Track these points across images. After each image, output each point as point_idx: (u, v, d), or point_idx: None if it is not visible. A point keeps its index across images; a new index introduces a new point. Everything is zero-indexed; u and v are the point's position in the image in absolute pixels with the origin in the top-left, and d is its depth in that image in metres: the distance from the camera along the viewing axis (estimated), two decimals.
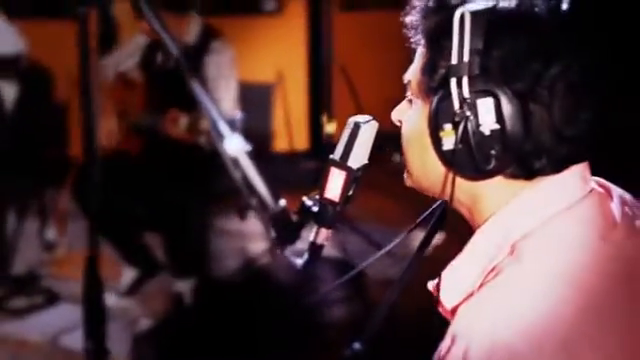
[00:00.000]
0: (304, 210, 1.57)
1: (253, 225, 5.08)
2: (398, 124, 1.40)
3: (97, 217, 4.28)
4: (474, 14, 1.23)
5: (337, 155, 1.50)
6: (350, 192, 1.51)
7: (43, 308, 4.41)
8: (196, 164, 4.26)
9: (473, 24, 1.23)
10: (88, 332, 2.73)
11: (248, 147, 1.75)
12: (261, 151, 5.42)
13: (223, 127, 1.78)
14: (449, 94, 1.24)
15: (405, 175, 1.41)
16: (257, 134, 5.11)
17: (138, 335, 4.02)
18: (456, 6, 1.26)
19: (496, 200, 1.30)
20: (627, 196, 1.39)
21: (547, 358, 1.12)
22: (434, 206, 1.51)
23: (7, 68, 4.75)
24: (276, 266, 4.51)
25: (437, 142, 1.27)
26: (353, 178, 1.50)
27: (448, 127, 1.25)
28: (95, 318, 2.67)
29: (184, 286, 4.32)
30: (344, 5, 6.45)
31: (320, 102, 6.33)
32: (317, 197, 1.53)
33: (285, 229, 1.70)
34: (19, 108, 4.99)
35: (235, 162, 1.76)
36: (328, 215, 1.54)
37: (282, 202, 1.70)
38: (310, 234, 1.61)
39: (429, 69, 1.29)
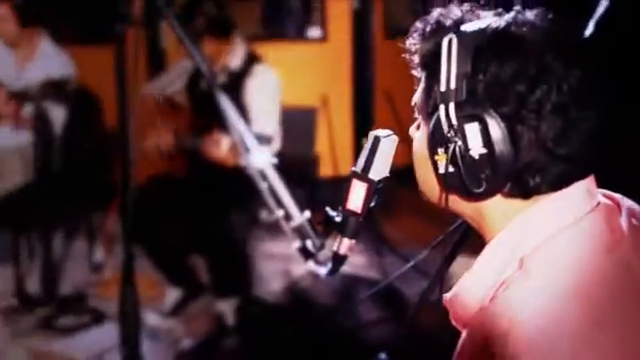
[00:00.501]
0: (328, 221, 1.61)
1: (290, 248, 5.12)
2: None
3: (141, 239, 4.41)
4: (461, 39, 1.26)
5: (359, 168, 1.54)
6: (372, 203, 1.55)
7: (89, 327, 4.48)
8: (239, 186, 4.31)
9: (460, 49, 1.26)
10: (125, 352, 2.77)
11: (274, 160, 1.81)
12: (306, 175, 5.51)
13: (250, 141, 1.84)
14: (439, 120, 1.28)
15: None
16: (301, 158, 5.18)
17: (180, 354, 4.08)
18: (448, 30, 1.30)
19: (501, 217, 1.32)
20: (636, 207, 1.41)
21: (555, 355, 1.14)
22: (456, 224, 1.55)
23: (57, 92, 4.83)
24: (318, 288, 4.58)
25: (434, 165, 1.32)
26: (374, 190, 1.53)
27: (441, 151, 1.29)
28: (131, 338, 2.71)
29: (226, 307, 4.36)
30: (388, 33, 6.51)
31: (364, 127, 6.38)
32: (340, 208, 1.58)
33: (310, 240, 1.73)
34: (68, 132, 5.08)
35: (262, 174, 1.82)
36: (351, 226, 1.58)
37: (307, 214, 1.74)
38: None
39: (425, 94, 1.34)
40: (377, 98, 6.54)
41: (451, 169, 1.28)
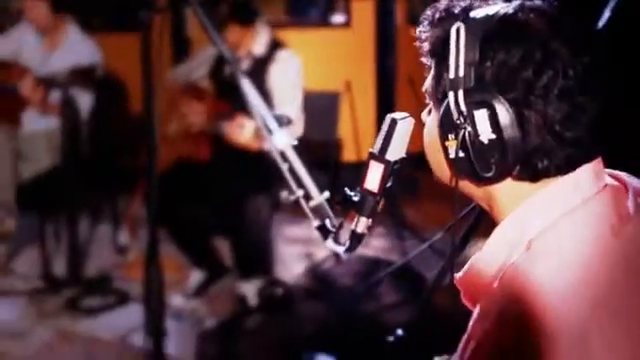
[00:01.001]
0: (345, 200, 1.65)
1: (313, 231, 5.17)
2: None
3: (166, 222, 4.47)
4: (469, 26, 1.30)
5: (376, 149, 1.58)
6: (389, 183, 1.60)
7: (114, 308, 4.55)
8: (262, 170, 4.36)
9: (468, 37, 1.29)
10: (149, 331, 2.84)
11: (294, 141, 1.86)
12: (329, 160, 5.55)
13: (271, 123, 1.90)
14: (449, 106, 1.32)
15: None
16: (324, 142, 5.22)
17: (202, 334, 4.14)
18: (456, 18, 1.33)
19: (511, 199, 1.36)
20: None
21: (559, 346, 1.18)
22: (469, 208, 1.59)
23: (83, 79, 4.90)
24: (339, 271, 4.63)
25: (444, 150, 1.35)
26: (391, 170, 1.57)
27: (452, 137, 1.32)
28: (156, 317, 2.78)
29: (248, 288, 4.42)
30: (410, 19, 6.52)
31: (387, 112, 6.41)
32: (358, 188, 1.63)
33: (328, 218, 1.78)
34: (95, 117, 5.16)
35: (283, 155, 1.88)
36: (368, 205, 1.62)
37: (326, 194, 1.79)
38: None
39: (435, 81, 1.38)
40: (399, 83, 6.57)
41: (461, 154, 1.31)
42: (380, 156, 1.58)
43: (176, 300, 4.52)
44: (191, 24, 6.83)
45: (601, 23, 2.31)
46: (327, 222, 1.77)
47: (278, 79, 4.53)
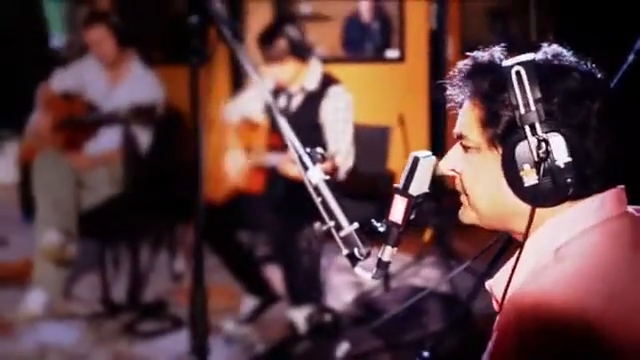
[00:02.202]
0: (373, 230, 1.80)
1: (367, 261, 5.29)
2: (451, 173, 1.67)
3: (221, 252, 4.64)
4: (526, 69, 1.49)
5: (400, 184, 1.75)
6: (412, 216, 1.75)
7: (169, 332, 4.70)
8: (313, 201, 4.49)
9: (528, 77, 1.49)
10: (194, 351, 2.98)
11: (326, 177, 2.01)
12: (379, 192, 5.68)
13: (306, 159, 2.05)
14: (521, 138, 1.49)
15: (464, 212, 1.68)
16: (374, 174, 5.35)
17: (252, 358, 4.27)
18: (500, 66, 1.54)
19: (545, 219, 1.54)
20: None
21: (576, 337, 1.33)
22: (495, 239, 1.74)
23: (144, 116, 5.08)
24: (387, 299, 4.74)
25: (517, 181, 1.51)
26: (414, 204, 1.73)
27: (527, 167, 1.49)
28: (201, 339, 2.92)
29: (298, 315, 4.53)
30: (462, 53, 6.58)
31: (439, 145, 6.51)
32: (384, 220, 1.78)
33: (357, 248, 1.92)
34: (155, 150, 5.34)
35: (316, 189, 2.03)
36: (393, 235, 1.78)
37: (355, 225, 1.93)
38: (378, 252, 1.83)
39: (491, 121, 1.54)
40: (451, 116, 6.66)
41: (536, 181, 1.49)
42: (404, 191, 1.74)
43: (228, 326, 4.66)
44: (249, 57, 7.00)
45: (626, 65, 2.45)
46: (355, 251, 1.91)
47: (330, 114, 4.67)
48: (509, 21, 7.07)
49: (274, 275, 4.95)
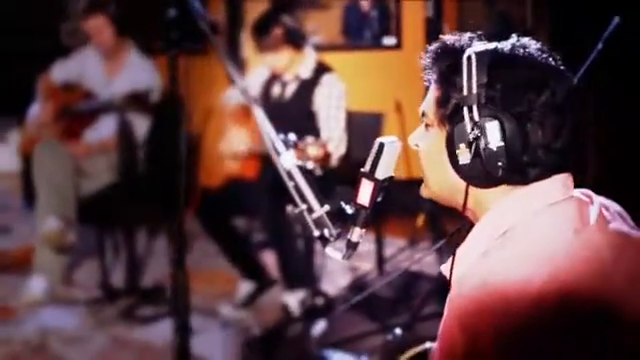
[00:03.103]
0: (342, 213, 1.89)
1: (360, 246, 5.37)
2: (415, 147, 1.75)
3: (217, 237, 4.72)
4: (478, 55, 1.58)
5: (366, 168, 1.83)
6: (378, 199, 1.83)
7: (167, 317, 4.75)
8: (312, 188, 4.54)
9: (478, 64, 1.57)
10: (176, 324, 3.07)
11: (299, 162, 2.10)
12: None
13: (279, 145, 2.14)
14: (462, 120, 1.58)
15: (422, 188, 1.76)
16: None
17: (247, 341, 4.35)
18: (462, 50, 1.61)
19: (494, 202, 1.62)
20: (615, 206, 1.70)
21: (517, 316, 1.41)
22: (458, 227, 1.82)
23: (140, 103, 5.15)
24: (380, 283, 4.81)
25: (454, 158, 1.61)
26: (380, 187, 1.83)
27: (463, 146, 1.59)
28: (181, 311, 3.01)
29: (291, 299, 4.61)
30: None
31: None
32: (352, 203, 1.87)
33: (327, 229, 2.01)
34: (152, 137, 5.41)
35: (289, 174, 2.12)
36: (361, 217, 1.87)
37: (326, 207, 2.02)
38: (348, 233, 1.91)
39: (443, 101, 1.64)
40: None
41: (472, 160, 1.57)
42: (370, 175, 1.82)
43: (224, 310, 4.75)
44: (247, 46, 7.08)
45: (594, 54, 2.52)
46: (326, 232, 1.99)
47: (323, 101, 4.74)
48: (506, 7, 7.11)
49: (269, 260, 5.02)
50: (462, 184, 1.62)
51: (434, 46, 1.70)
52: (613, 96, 4.92)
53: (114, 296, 5.13)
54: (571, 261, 1.48)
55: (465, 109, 1.57)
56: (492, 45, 1.63)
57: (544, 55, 1.62)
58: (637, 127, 5.02)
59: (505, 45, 1.64)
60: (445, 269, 1.69)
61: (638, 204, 1.88)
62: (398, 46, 7.02)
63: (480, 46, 1.62)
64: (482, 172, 1.57)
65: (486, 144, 1.55)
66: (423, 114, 1.72)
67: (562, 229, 1.54)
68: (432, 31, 6.86)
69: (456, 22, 6.92)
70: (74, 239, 5.08)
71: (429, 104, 1.68)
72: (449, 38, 1.69)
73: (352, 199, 1.84)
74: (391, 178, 1.84)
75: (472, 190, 1.62)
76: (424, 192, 1.76)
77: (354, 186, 1.84)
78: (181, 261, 2.91)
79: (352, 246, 1.90)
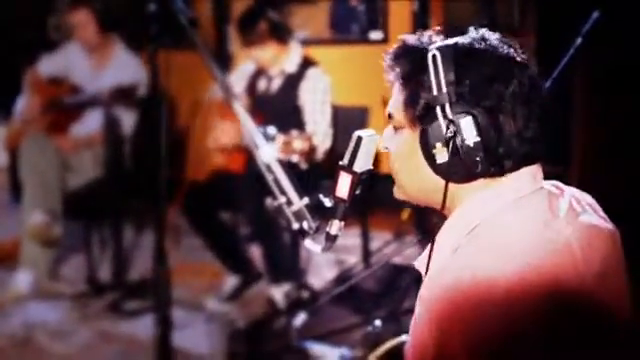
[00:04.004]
0: (320, 206, 1.90)
1: (347, 239, 5.40)
2: (385, 150, 1.76)
3: (203, 229, 4.73)
4: (442, 53, 1.57)
5: (345, 161, 1.84)
6: (357, 191, 1.85)
7: (152, 311, 4.77)
8: (292, 181, 4.55)
9: (444, 61, 1.57)
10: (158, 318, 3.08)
11: (278, 155, 2.11)
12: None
13: (259, 138, 2.15)
14: (435, 119, 1.58)
15: (395, 189, 1.77)
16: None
17: (232, 334, 4.36)
18: (424, 49, 1.61)
19: (470, 197, 1.63)
20: (586, 198, 1.71)
21: (487, 309, 1.42)
22: (437, 222, 1.84)
23: (126, 98, 5.16)
24: (366, 276, 4.83)
25: (431, 158, 1.61)
26: (358, 180, 1.84)
27: (439, 145, 1.58)
28: (162, 305, 3.03)
29: (277, 292, 4.63)
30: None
31: None
32: (331, 196, 1.88)
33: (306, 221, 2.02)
34: (139, 132, 5.42)
35: (268, 167, 2.13)
36: (340, 210, 1.88)
37: (305, 200, 2.03)
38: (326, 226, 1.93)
39: (411, 101, 1.63)
40: None
41: (449, 158, 1.57)
42: (348, 168, 1.83)
43: (210, 303, 4.77)
44: (234, 40, 7.08)
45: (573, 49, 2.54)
46: (305, 224, 2.00)
47: (308, 95, 4.77)
48: (493, 3, 7.13)
49: (255, 253, 5.04)
50: (438, 183, 1.62)
51: (395, 47, 1.70)
52: (600, 95, 4.95)
53: (100, 290, 5.13)
54: (541, 254, 1.49)
55: (438, 108, 1.57)
56: (452, 41, 1.63)
57: (505, 46, 1.62)
58: (625, 126, 5.05)
59: (465, 39, 1.63)
60: (418, 264, 1.71)
61: (625, 201, 1.90)
62: (385, 40, 7.02)
63: (442, 43, 1.62)
64: (460, 168, 1.58)
65: (462, 140, 1.55)
66: (390, 116, 1.72)
67: (531, 222, 1.55)
68: (418, 26, 6.93)
69: (443, 17, 6.94)
70: (60, 233, 5.10)
71: (396, 106, 1.68)
72: (409, 38, 1.69)
73: (330, 192, 1.85)
74: (369, 171, 1.85)
75: (449, 187, 1.62)
76: (398, 194, 1.77)
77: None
78: (162, 254, 2.92)
79: (331, 239, 1.91)
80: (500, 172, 1.59)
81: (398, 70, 1.67)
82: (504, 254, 1.48)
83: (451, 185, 1.61)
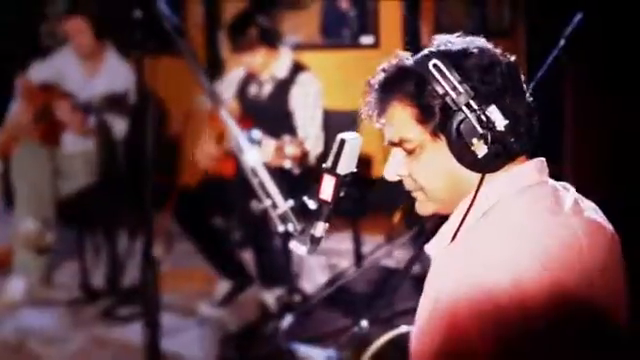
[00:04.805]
0: (305, 208, 1.92)
1: (339, 243, 5.42)
2: (399, 178, 1.79)
3: (195, 234, 4.74)
4: (441, 60, 1.64)
5: (328, 164, 1.87)
6: (341, 194, 1.87)
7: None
8: (285, 186, 4.56)
9: (446, 66, 1.63)
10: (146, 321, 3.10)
11: (264, 156, 2.13)
12: (359, 175, 5.78)
13: (244, 143, 2.17)
14: (459, 121, 1.63)
15: (423, 206, 1.79)
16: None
17: (223, 338, 4.38)
18: (415, 66, 1.69)
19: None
20: (588, 202, 1.76)
21: (497, 283, 1.48)
22: (425, 223, 1.87)
23: (119, 104, 5.17)
24: (358, 280, 4.84)
25: (470, 157, 1.64)
26: (341, 182, 1.86)
27: (475, 140, 1.62)
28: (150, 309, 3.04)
29: (269, 296, 4.65)
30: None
31: None
32: (315, 198, 1.90)
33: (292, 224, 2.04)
34: (131, 138, 5.43)
35: (253, 171, 2.15)
36: (324, 212, 1.90)
37: (290, 203, 2.05)
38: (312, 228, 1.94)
39: (427, 115, 1.67)
40: None
41: (487, 150, 1.62)
42: (332, 170, 1.85)
43: (203, 308, 4.79)
44: (224, 46, 7.09)
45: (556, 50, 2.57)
46: (290, 227, 2.02)
47: (299, 100, 4.78)
48: (483, 7, 7.15)
49: (247, 258, 5.05)
50: (472, 180, 1.67)
51: (379, 78, 1.77)
52: (593, 96, 4.97)
53: (93, 296, 5.15)
54: (549, 240, 1.56)
55: (463, 107, 1.61)
56: (426, 52, 1.70)
57: (469, 39, 1.71)
58: (619, 127, 5.07)
59: (438, 47, 1.70)
60: (429, 248, 1.75)
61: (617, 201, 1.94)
62: (376, 45, 7.05)
63: (432, 51, 1.69)
64: (498, 156, 1.63)
65: (495, 128, 1.61)
66: (401, 142, 1.74)
67: (540, 209, 1.61)
68: (409, 30, 6.95)
69: (433, 21, 6.97)
70: (52, 240, 5.12)
71: (406, 127, 1.71)
72: (386, 66, 1.77)
73: (315, 194, 1.88)
74: (353, 174, 1.87)
75: (472, 183, 1.67)
76: (428, 209, 1.79)
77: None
78: (150, 259, 2.94)
79: (316, 240, 1.93)
80: (513, 159, 1.67)
81: (396, 94, 1.71)
82: (515, 237, 1.55)
83: (471, 176, 1.67)
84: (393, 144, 1.75)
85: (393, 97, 1.71)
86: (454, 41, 1.69)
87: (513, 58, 1.71)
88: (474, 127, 1.61)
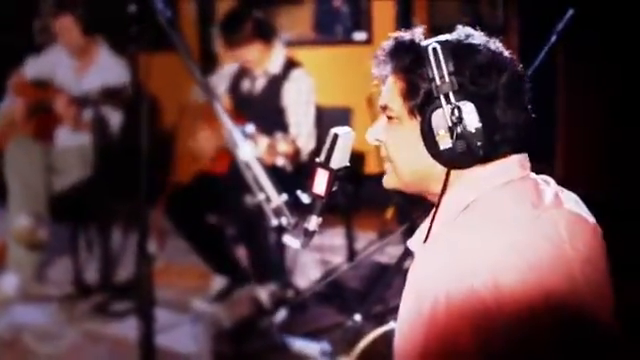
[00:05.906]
0: (298, 202, 1.94)
1: (332, 239, 5.43)
2: (376, 142, 1.80)
3: (188, 231, 4.74)
4: (442, 46, 1.66)
5: (322, 159, 1.88)
6: (334, 188, 1.88)
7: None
8: (278, 182, 4.55)
9: (444, 54, 1.65)
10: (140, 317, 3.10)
11: (257, 153, 2.14)
12: (353, 172, 5.80)
13: (238, 137, 2.18)
14: (436, 107, 1.65)
15: (387, 178, 1.82)
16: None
17: (217, 334, 4.39)
18: (419, 44, 1.70)
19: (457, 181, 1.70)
20: (570, 194, 1.77)
21: (477, 277, 1.48)
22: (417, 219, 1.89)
23: (113, 98, 5.16)
24: (351, 276, 4.85)
25: (434, 145, 1.67)
26: (335, 176, 1.88)
27: (442, 132, 1.65)
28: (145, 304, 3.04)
29: (262, 292, 4.65)
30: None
31: None
32: (308, 192, 1.91)
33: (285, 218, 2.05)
34: (125, 133, 5.42)
35: (247, 165, 2.16)
36: (317, 206, 1.92)
37: (284, 197, 2.06)
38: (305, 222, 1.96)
39: (411, 92, 1.70)
40: None
41: (450, 145, 1.64)
42: (325, 164, 1.87)
43: (197, 304, 4.79)
44: (218, 41, 7.09)
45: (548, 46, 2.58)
46: (284, 220, 2.04)
47: (292, 97, 4.79)
48: (477, 3, 7.16)
49: (241, 254, 5.05)
50: (434, 170, 1.69)
51: (390, 43, 1.77)
52: (582, 94, 4.99)
53: (87, 292, 5.14)
54: (530, 235, 1.57)
55: (441, 96, 1.64)
56: (447, 37, 1.71)
57: (491, 41, 1.72)
58: (611, 124, 5.10)
59: (459, 35, 1.71)
60: (411, 244, 1.76)
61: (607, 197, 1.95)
62: (369, 41, 7.06)
63: (439, 38, 1.70)
64: (462, 154, 1.64)
65: (465, 127, 1.62)
66: (385, 108, 1.77)
67: (521, 203, 1.63)
68: (402, 27, 6.94)
69: (426, 17, 6.98)
70: (46, 236, 5.11)
71: (392, 97, 1.74)
72: (402, 35, 1.76)
73: (308, 189, 1.89)
74: (346, 168, 1.89)
75: (439, 174, 1.69)
76: (390, 182, 1.82)
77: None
78: (144, 253, 2.94)
79: (309, 234, 1.95)
80: (494, 157, 1.67)
81: (394, 64, 1.74)
82: (496, 229, 1.56)
83: (438, 167, 1.69)
84: (381, 108, 1.79)
85: (392, 65, 1.75)
86: (473, 35, 1.71)
87: (523, 71, 1.73)
88: (445, 118, 1.63)
